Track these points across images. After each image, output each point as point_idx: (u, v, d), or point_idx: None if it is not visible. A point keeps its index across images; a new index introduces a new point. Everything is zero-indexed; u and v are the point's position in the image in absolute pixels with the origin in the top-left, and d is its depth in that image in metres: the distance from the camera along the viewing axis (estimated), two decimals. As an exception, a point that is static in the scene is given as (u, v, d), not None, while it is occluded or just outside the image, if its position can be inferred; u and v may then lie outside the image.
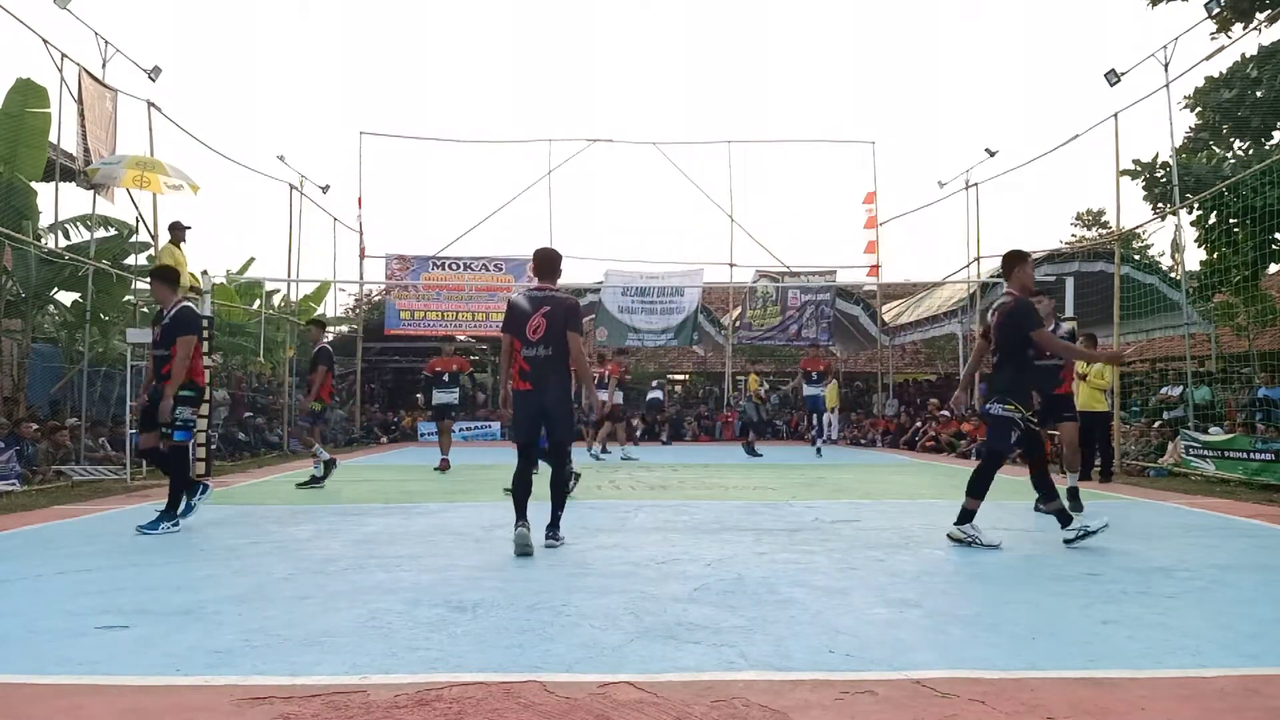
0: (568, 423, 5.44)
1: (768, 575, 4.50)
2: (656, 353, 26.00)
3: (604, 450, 14.61)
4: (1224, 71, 16.28)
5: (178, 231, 11.09)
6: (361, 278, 21.70)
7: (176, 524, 6.05)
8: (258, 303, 20.47)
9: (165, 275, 6.34)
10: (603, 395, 14.65)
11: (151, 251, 13.00)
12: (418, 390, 27.94)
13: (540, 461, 6.09)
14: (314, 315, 17.90)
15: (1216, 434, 10.70)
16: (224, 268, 19.58)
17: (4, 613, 3.75)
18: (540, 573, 4.62)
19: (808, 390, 15.42)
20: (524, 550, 5.04)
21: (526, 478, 5.34)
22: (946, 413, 17.62)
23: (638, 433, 20.38)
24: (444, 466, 11.42)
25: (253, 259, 20.10)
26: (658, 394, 21.31)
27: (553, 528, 5.42)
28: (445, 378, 11.65)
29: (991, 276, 18.04)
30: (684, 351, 27.97)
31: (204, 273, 11.93)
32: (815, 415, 16.09)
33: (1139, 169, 16.26)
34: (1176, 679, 2.85)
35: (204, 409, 6.82)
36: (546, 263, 5.56)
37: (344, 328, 24.78)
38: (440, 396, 11.70)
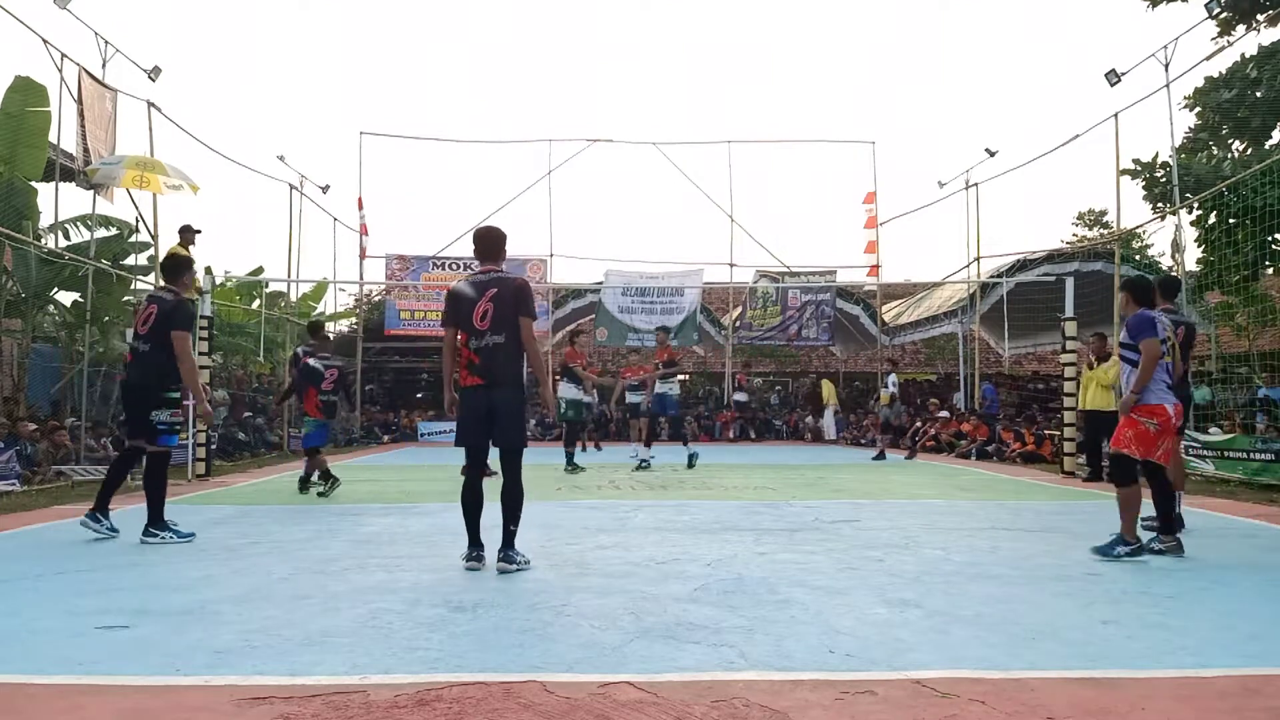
0: (518, 426, 4.77)
1: (768, 575, 4.50)
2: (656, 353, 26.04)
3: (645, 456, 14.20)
4: (1224, 72, 16.26)
5: (187, 235, 11.10)
6: (361, 278, 21.70)
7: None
8: (257, 302, 20.47)
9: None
10: (635, 398, 14.51)
11: (152, 251, 13.01)
12: (418, 390, 28.04)
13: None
14: (314, 317, 17.85)
15: (1216, 434, 10.70)
16: (224, 268, 19.58)
17: (4, 613, 3.75)
18: (540, 573, 4.62)
19: (658, 388, 12.32)
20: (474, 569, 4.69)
21: (477, 488, 4.78)
22: (946, 413, 17.63)
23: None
24: (486, 472, 10.88)
25: (261, 267, 20.05)
26: (742, 396, 21.99)
27: (506, 546, 4.67)
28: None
29: (991, 276, 18.05)
30: (684, 351, 27.95)
31: (207, 270, 11.96)
32: (665, 418, 13.59)
33: (1139, 169, 16.26)
34: (1176, 679, 2.85)
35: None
36: (488, 243, 4.89)
37: (344, 326, 24.78)
38: None
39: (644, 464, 11.85)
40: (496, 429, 4.70)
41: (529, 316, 4.72)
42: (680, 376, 12.10)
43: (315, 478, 8.93)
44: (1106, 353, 10.67)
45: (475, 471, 4.82)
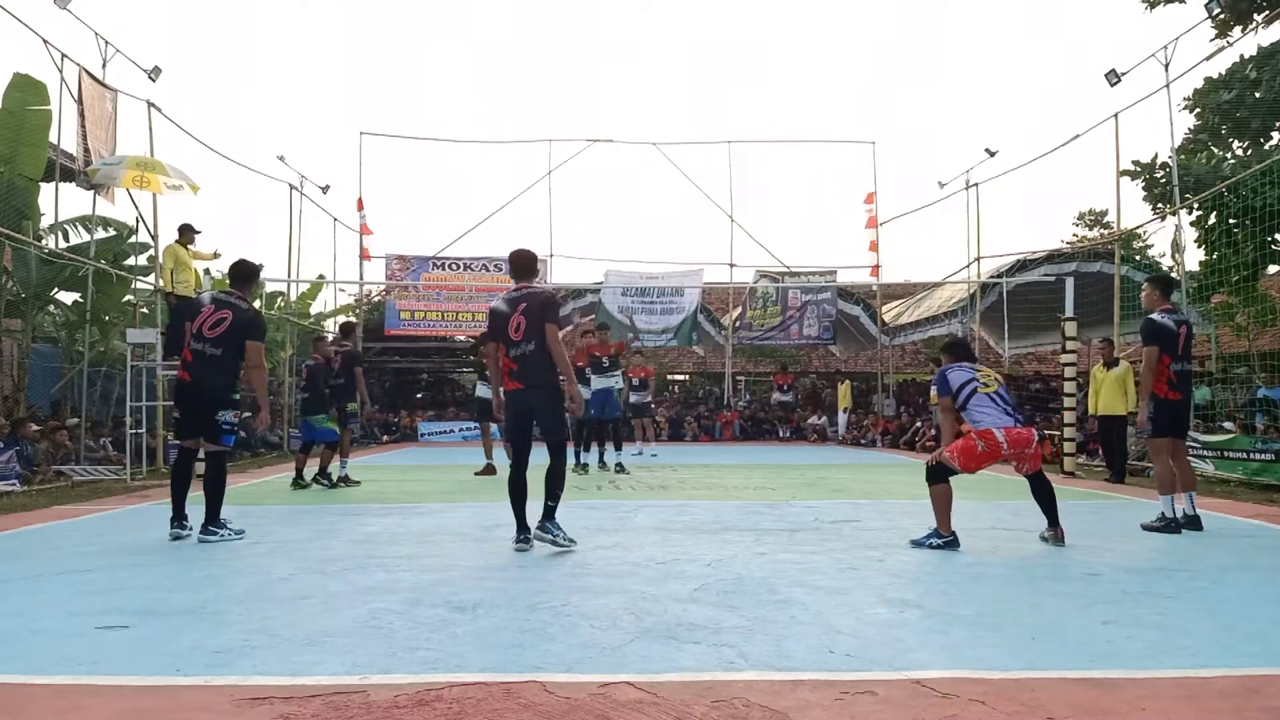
0: (556, 419, 5.44)
1: (768, 575, 4.50)
2: (656, 352, 26.07)
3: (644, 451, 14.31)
4: (1223, 73, 16.28)
5: (186, 234, 11.10)
6: (361, 278, 21.70)
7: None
8: (257, 303, 20.47)
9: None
10: (640, 398, 14.39)
11: (152, 252, 13.01)
12: (418, 390, 28.02)
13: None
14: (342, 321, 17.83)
15: (1229, 428, 10.73)
16: (224, 268, 19.54)
17: (4, 613, 3.75)
18: (540, 573, 4.62)
19: (597, 383, 11.10)
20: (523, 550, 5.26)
21: (521, 482, 5.36)
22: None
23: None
24: (487, 471, 10.61)
25: (261, 266, 20.01)
26: (786, 396, 22.96)
27: (546, 518, 5.25)
28: (487, 373, 10.87)
29: (991, 276, 18.04)
30: (684, 351, 27.95)
31: (206, 271, 11.95)
32: (641, 420, 14.05)
33: (1139, 169, 16.26)
34: (1176, 679, 2.85)
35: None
36: (522, 263, 5.61)
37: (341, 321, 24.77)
38: (482, 390, 10.76)
39: (583, 468, 11.20)
40: (541, 430, 5.38)
41: (553, 324, 5.31)
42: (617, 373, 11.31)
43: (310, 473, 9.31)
44: (1115, 358, 10.69)
45: (519, 465, 5.39)
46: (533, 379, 5.26)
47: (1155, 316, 6.34)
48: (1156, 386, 6.27)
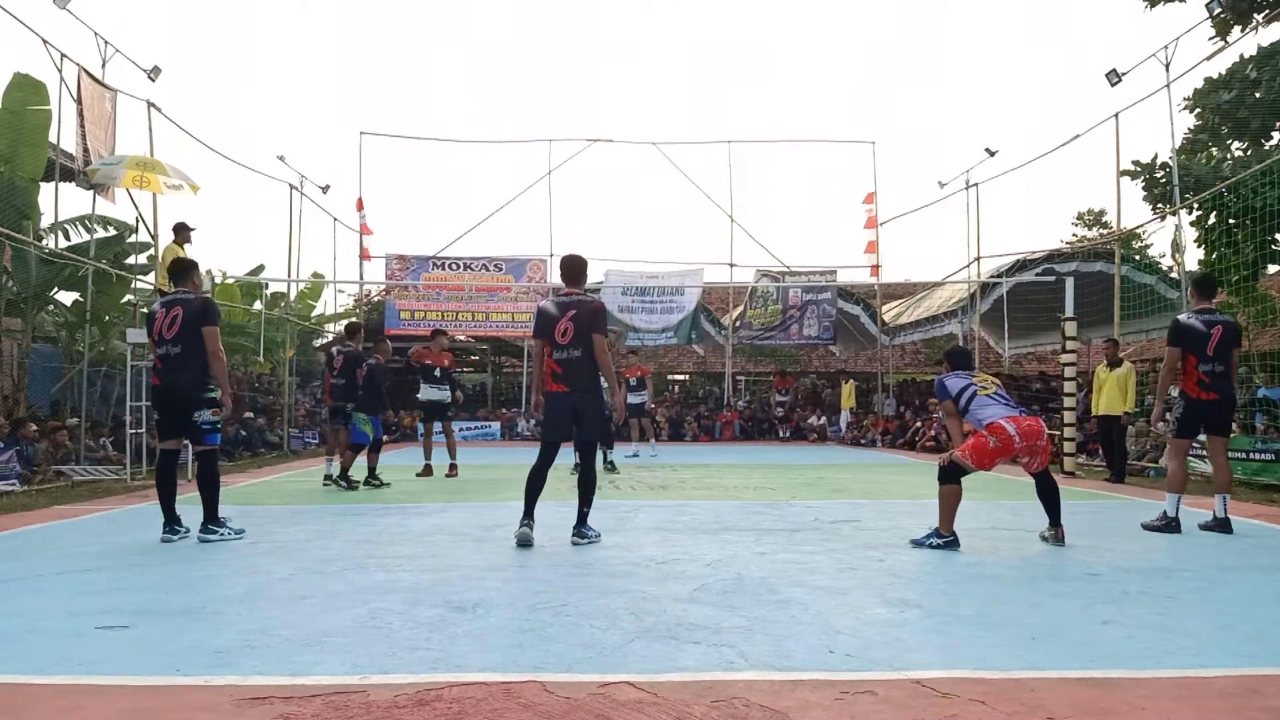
0: (598, 422, 5.65)
1: (768, 575, 4.50)
2: (656, 352, 26.06)
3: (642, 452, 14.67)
4: (1223, 73, 16.27)
5: (182, 232, 11.08)
6: (361, 278, 21.70)
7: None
8: (258, 303, 20.47)
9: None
10: (637, 399, 14.64)
11: (152, 251, 13.01)
12: (418, 390, 28.06)
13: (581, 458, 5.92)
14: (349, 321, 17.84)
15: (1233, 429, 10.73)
16: (223, 268, 19.58)
17: (4, 613, 3.75)
18: (540, 573, 4.62)
19: (632, 399, 14.07)
20: (525, 543, 5.35)
21: (541, 475, 5.51)
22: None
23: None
24: (426, 472, 10.82)
25: (262, 265, 20.04)
26: (786, 398, 23.37)
27: (580, 524, 5.56)
28: (436, 372, 10.84)
29: (991, 276, 18.04)
30: (684, 351, 27.96)
31: (208, 272, 11.95)
32: (638, 420, 15.25)
33: (1139, 169, 16.26)
34: (1176, 679, 2.85)
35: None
36: (572, 269, 5.76)
37: (343, 326, 24.78)
38: (427, 392, 10.88)
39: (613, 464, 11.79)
40: (579, 426, 5.54)
41: (600, 334, 5.48)
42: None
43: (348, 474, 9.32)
44: (1119, 358, 10.69)
45: (546, 461, 5.50)
46: (577, 384, 5.46)
47: (1181, 317, 6.28)
48: (1187, 386, 6.16)
